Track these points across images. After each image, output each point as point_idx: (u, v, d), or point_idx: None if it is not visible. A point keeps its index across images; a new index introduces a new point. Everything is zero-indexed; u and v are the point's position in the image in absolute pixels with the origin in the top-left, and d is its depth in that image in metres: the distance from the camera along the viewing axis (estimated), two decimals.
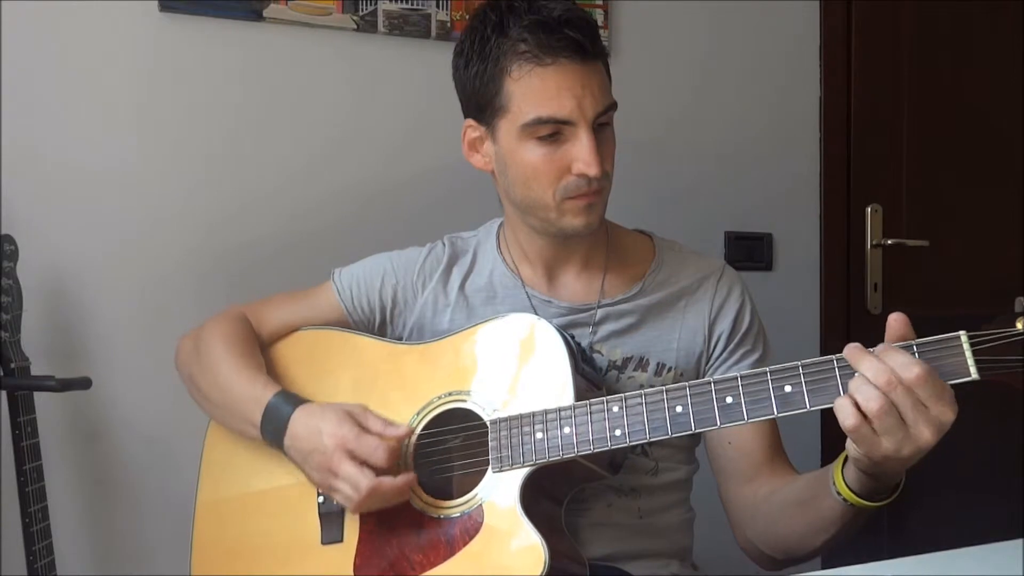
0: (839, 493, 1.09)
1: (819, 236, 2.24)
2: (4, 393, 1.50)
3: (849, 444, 1.01)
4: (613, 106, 1.25)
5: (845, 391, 0.99)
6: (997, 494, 2.20)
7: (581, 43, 1.20)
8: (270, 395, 1.26)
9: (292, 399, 1.25)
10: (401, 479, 1.16)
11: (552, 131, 1.21)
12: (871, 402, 0.95)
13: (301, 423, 1.22)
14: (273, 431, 1.24)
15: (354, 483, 1.16)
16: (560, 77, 1.20)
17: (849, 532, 1.15)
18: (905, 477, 1.07)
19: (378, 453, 1.16)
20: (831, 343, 2.21)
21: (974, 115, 2.35)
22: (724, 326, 1.34)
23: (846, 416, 0.97)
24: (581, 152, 1.21)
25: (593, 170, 1.21)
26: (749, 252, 2.16)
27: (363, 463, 1.16)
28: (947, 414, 0.96)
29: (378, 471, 1.16)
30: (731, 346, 1.34)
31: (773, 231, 2.19)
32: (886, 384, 0.95)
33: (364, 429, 1.19)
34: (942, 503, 2.23)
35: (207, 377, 1.35)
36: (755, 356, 1.35)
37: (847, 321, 2.25)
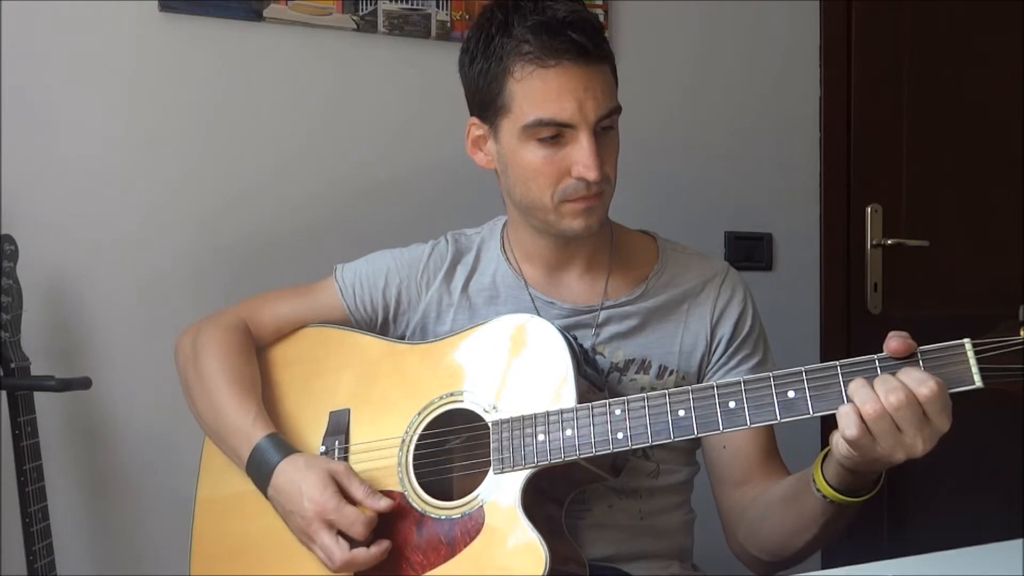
0: (819, 490, 1.10)
1: (819, 236, 2.24)
2: (4, 393, 1.50)
3: (836, 443, 1.02)
4: (617, 110, 1.25)
5: (848, 397, 1.00)
6: (997, 495, 2.21)
7: (584, 45, 1.19)
8: (260, 436, 1.25)
9: (281, 447, 1.24)
10: (375, 549, 1.16)
11: (553, 133, 1.21)
12: (868, 404, 0.96)
13: (286, 477, 1.21)
14: (258, 475, 1.24)
15: (328, 554, 1.17)
16: (562, 79, 1.19)
17: (832, 532, 1.16)
18: (885, 474, 1.08)
19: (356, 527, 1.16)
20: (831, 343, 2.21)
21: (974, 115, 2.35)
22: (725, 329, 1.34)
23: (848, 425, 0.98)
24: (581, 155, 1.20)
25: (592, 174, 1.20)
26: (749, 252, 2.16)
27: (341, 533, 1.17)
28: (945, 425, 0.97)
29: (354, 543, 1.16)
30: (731, 349, 1.34)
31: (773, 231, 2.19)
32: (900, 399, 0.95)
33: (346, 496, 1.18)
34: (942, 503, 2.23)
35: (201, 392, 1.34)
36: (754, 360, 1.34)
37: (847, 321, 2.25)
